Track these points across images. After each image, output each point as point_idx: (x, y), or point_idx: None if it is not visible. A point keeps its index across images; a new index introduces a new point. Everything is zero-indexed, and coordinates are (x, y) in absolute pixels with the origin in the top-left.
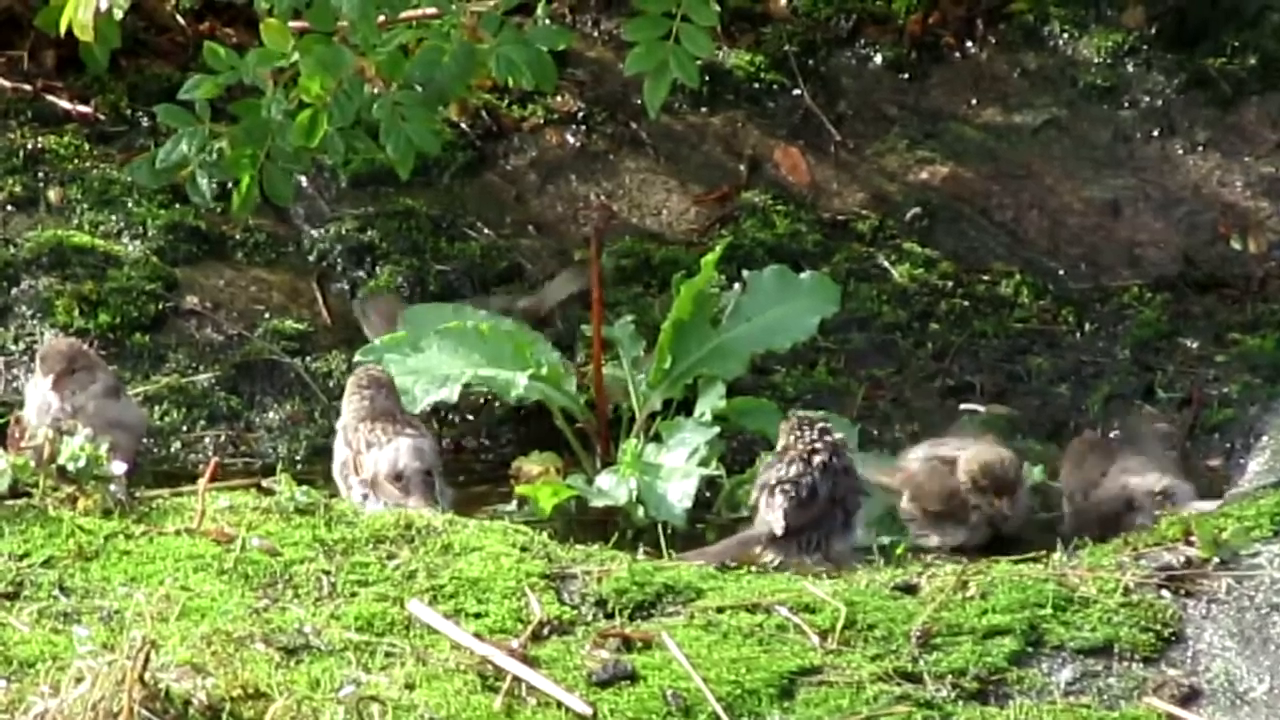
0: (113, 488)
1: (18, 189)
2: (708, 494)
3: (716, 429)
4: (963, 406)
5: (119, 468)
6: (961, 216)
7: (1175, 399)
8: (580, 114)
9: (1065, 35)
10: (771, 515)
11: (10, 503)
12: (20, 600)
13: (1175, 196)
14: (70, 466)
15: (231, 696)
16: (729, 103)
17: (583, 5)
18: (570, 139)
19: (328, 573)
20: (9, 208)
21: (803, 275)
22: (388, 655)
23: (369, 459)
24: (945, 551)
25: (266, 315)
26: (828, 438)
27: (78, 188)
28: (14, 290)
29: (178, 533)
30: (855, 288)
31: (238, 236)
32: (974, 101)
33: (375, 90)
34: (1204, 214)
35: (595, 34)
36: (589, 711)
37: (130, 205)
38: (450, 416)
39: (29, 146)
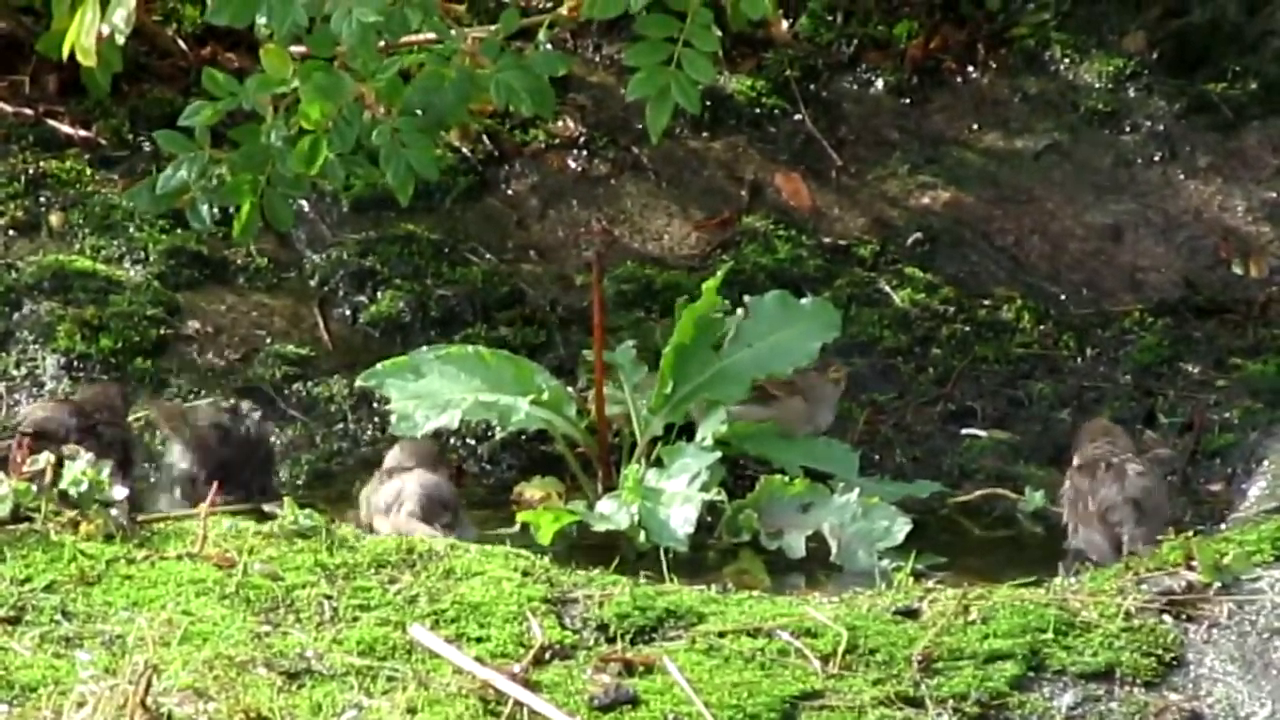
0: (114, 512)
1: (19, 214)
2: (709, 519)
3: (718, 453)
4: (964, 431)
5: (120, 492)
6: (963, 241)
7: (1176, 424)
8: (582, 139)
9: (1066, 60)
10: None
11: (12, 527)
12: (22, 625)
13: (1176, 221)
14: (72, 491)
15: None
16: (730, 128)
17: (584, 30)
18: (572, 164)
19: (329, 597)
20: (10, 232)
21: (804, 300)
22: (389, 680)
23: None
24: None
25: (268, 340)
26: None
27: (79, 212)
28: (15, 315)
29: (179, 557)
30: (856, 312)
31: (239, 261)
32: (975, 126)
33: (375, 116)
34: (1205, 239)
35: (596, 59)
36: None
37: (132, 230)
38: (451, 442)
39: (30, 171)
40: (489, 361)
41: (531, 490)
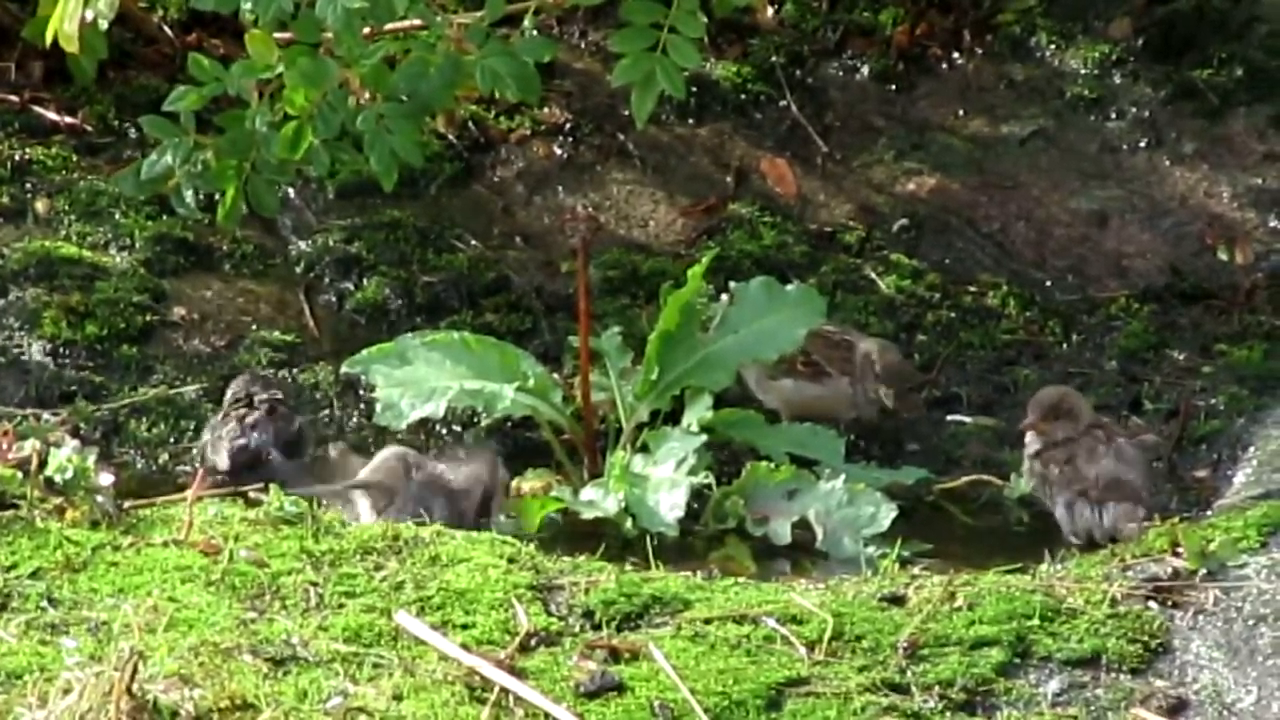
0: (100, 499)
1: (5, 200)
2: (694, 506)
3: (704, 438)
4: (950, 418)
5: (106, 479)
6: (948, 228)
7: (1162, 410)
8: (567, 125)
9: (1052, 46)
10: None
11: None
12: (8, 612)
13: (1162, 207)
14: (58, 478)
15: (219, 708)
16: (716, 114)
17: (570, 16)
18: (557, 150)
19: (315, 584)
20: None
21: (789, 286)
22: (375, 666)
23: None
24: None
25: (254, 327)
26: None
27: (65, 199)
28: (1, 302)
29: (165, 544)
30: (842, 299)
31: (225, 248)
32: (961, 113)
33: (360, 102)
34: (1191, 225)
35: (582, 45)
36: None
37: (118, 216)
38: (437, 429)
39: (16, 158)
40: (474, 348)
41: (529, 484)
